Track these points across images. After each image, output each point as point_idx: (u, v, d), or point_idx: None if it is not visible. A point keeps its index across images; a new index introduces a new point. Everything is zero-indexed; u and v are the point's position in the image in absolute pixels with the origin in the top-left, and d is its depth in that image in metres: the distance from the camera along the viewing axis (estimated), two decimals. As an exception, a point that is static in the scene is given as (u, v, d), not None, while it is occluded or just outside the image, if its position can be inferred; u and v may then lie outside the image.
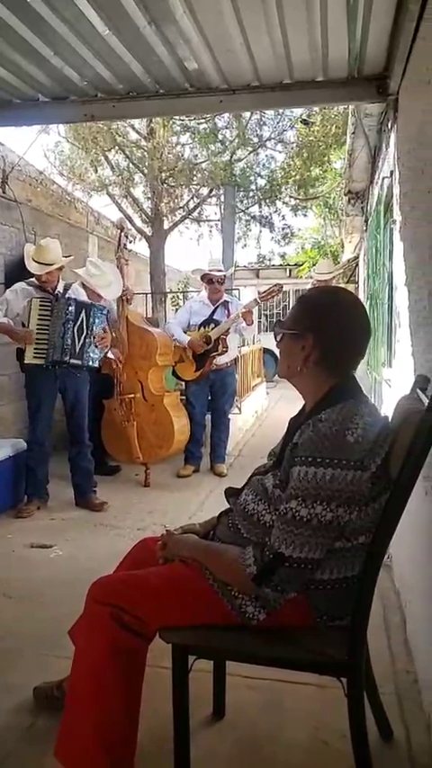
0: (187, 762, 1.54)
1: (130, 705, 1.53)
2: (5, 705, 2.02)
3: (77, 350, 4.06)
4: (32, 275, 4.16)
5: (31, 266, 4.08)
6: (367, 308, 5.88)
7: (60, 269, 4.21)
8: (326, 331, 1.52)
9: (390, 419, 1.57)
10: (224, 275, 5.23)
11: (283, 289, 5.32)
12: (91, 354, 4.13)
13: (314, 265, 9.75)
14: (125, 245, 4.78)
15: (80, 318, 4.09)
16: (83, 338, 4.08)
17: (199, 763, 1.60)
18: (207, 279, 5.14)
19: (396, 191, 3.27)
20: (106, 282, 4.68)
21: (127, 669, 1.52)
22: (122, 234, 4.76)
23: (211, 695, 1.95)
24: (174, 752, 1.54)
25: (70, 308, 4.03)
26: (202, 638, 1.53)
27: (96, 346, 4.15)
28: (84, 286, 4.62)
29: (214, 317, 5.10)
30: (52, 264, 4.09)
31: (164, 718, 1.60)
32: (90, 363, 4.13)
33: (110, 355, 4.56)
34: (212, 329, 5.02)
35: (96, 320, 4.15)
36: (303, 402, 1.65)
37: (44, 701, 1.96)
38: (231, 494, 1.75)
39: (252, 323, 5.11)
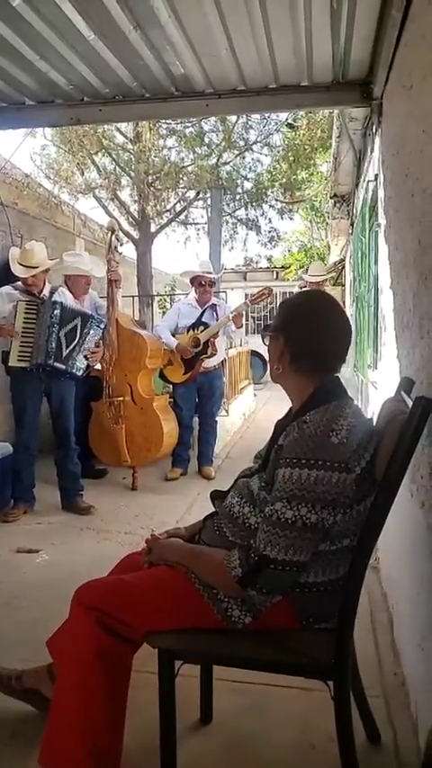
0: (174, 766, 1.53)
1: (115, 710, 1.52)
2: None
3: (63, 354, 4.05)
4: (18, 279, 4.15)
5: (17, 269, 4.07)
6: (353, 310, 5.92)
7: (46, 272, 4.21)
8: (294, 330, 1.55)
9: (375, 421, 1.58)
10: (214, 277, 5.23)
11: (273, 292, 5.33)
12: (77, 363, 4.11)
13: (301, 268, 9.80)
14: (116, 247, 4.77)
15: (72, 324, 4.07)
16: (73, 344, 4.07)
17: (186, 767, 1.59)
18: (197, 281, 5.14)
19: (381, 194, 3.30)
20: (87, 265, 4.76)
21: (113, 674, 1.51)
22: (113, 236, 4.74)
23: (197, 700, 1.94)
24: (160, 757, 1.53)
25: (55, 312, 4.02)
26: (189, 643, 1.53)
27: (86, 358, 4.14)
28: (68, 287, 4.61)
29: (203, 320, 5.09)
30: (37, 267, 4.08)
31: (150, 722, 1.59)
32: (74, 371, 4.11)
33: (97, 367, 4.55)
34: (201, 331, 5.02)
35: (92, 331, 4.14)
36: (291, 404, 1.66)
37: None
38: (217, 497, 1.76)
39: (241, 326, 5.11)
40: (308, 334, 1.55)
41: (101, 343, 4.31)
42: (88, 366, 4.25)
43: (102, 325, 4.27)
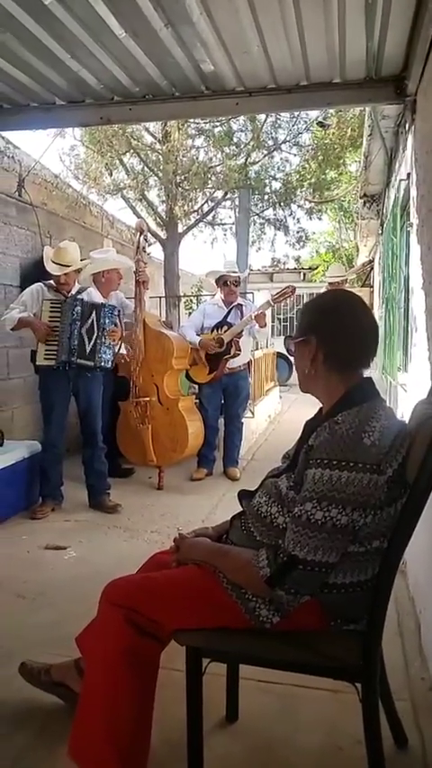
0: (200, 764, 1.53)
1: (143, 707, 1.52)
2: (17, 705, 2.02)
3: (87, 351, 4.08)
4: (49, 277, 4.20)
5: (50, 267, 4.12)
6: (383, 312, 5.85)
7: (78, 272, 4.25)
8: (326, 329, 1.53)
9: (406, 423, 1.56)
10: (239, 277, 5.21)
11: (297, 291, 5.28)
12: (103, 355, 4.13)
13: (328, 269, 9.73)
14: (144, 247, 4.78)
15: (90, 319, 4.11)
16: (94, 339, 4.09)
17: (212, 765, 1.59)
18: (222, 280, 5.13)
19: (413, 193, 3.25)
20: (114, 258, 4.82)
21: (140, 671, 1.51)
22: (142, 237, 4.75)
23: (224, 699, 1.94)
24: (187, 754, 1.53)
25: (76, 309, 4.07)
26: (217, 641, 1.52)
27: (108, 347, 4.17)
28: (98, 286, 4.64)
29: (228, 320, 5.08)
30: (70, 266, 4.12)
31: (177, 721, 1.59)
32: (102, 364, 4.14)
33: (122, 350, 4.57)
34: (225, 332, 5.01)
35: (107, 319, 4.17)
36: (318, 406, 1.64)
37: (29, 678, 2.00)
38: (244, 496, 1.75)
39: (265, 325, 5.07)
40: (340, 332, 1.53)
41: (117, 322, 4.30)
42: (114, 353, 4.26)
43: (115, 312, 4.27)
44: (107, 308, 4.22)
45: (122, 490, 4.62)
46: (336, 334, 1.53)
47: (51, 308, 4.09)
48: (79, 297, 4.16)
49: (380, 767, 1.46)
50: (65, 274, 4.13)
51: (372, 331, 1.56)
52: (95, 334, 4.11)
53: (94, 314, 4.13)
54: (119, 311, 4.37)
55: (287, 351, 1.68)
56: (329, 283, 6.68)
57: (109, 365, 4.21)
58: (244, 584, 1.49)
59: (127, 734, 1.48)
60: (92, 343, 4.09)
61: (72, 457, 4.61)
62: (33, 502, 4.25)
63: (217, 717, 1.92)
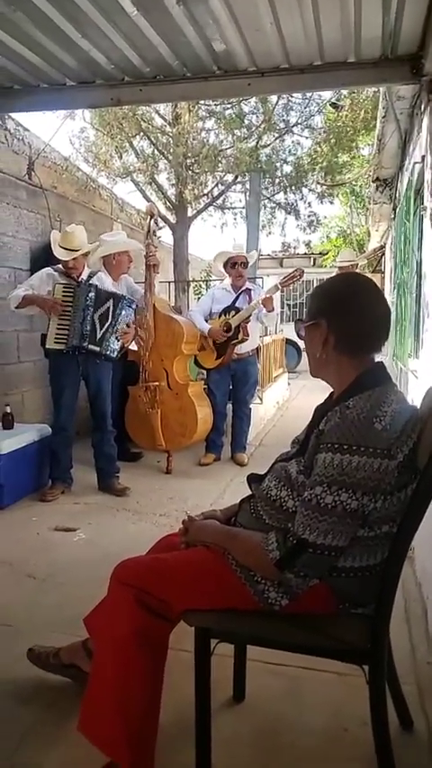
0: (208, 743, 1.55)
1: (152, 686, 1.54)
2: (27, 682, 2.05)
3: (97, 337, 4.08)
4: (58, 262, 4.19)
5: (58, 252, 4.11)
6: (394, 297, 5.81)
7: (86, 255, 4.24)
8: (338, 312, 1.51)
9: (418, 408, 1.54)
10: (247, 258, 5.17)
11: (306, 276, 5.23)
12: (111, 345, 4.13)
13: (338, 254, 9.67)
14: (154, 231, 4.75)
15: (105, 306, 4.10)
16: (105, 326, 4.09)
17: (219, 745, 1.60)
18: (231, 263, 5.09)
19: (427, 176, 3.21)
20: (124, 240, 4.81)
21: (150, 650, 1.53)
22: (152, 220, 4.72)
23: (231, 680, 1.95)
24: (195, 733, 1.55)
25: (90, 295, 4.06)
26: (226, 622, 1.53)
27: (117, 339, 4.16)
28: (108, 269, 4.63)
29: (236, 305, 5.05)
30: (78, 250, 4.11)
31: (185, 700, 1.61)
32: (108, 353, 4.14)
33: (132, 347, 4.57)
34: (233, 316, 4.99)
35: (123, 312, 4.16)
36: (326, 393, 1.64)
37: (38, 663, 2.02)
38: (254, 480, 1.75)
39: (273, 309, 5.02)
40: (352, 316, 1.51)
41: (132, 323, 4.31)
42: (122, 347, 4.27)
43: (133, 306, 4.28)
44: (126, 300, 4.22)
45: (131, 474, 4.64)
46: (347, 318, 1.51)
47: (64, 292, 4.08)
48: (93, 283, 4.15)
49: (386, 749, 1.47)
50: (73, 259, 4.11)
51: (384, 315, 1.54)
52: (108, 322, 4.10)
53: (111, 302, 4.12)
54: (137, 306, 4.36)
55: (297, 335, 1.66)
56: (339, 268, 6.64)
57: (114, 355, 4.20)
58: (253, 566, 1.50)
59: (137, 713, 1.50)
60: (102, 330, 4.09)
61: (82, 440, 4.63)
62: (43, 484, 4.28)
63: (224, 697, 1.94)
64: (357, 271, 6.67)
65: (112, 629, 1.55)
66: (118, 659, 1.51)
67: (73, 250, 4.11)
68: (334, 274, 6.69)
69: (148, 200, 9.66)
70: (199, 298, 8.25)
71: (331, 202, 13.65)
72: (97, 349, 4.10)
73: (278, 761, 1.72)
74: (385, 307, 1.56)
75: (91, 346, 4.07)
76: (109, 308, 4.12)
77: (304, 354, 1.65)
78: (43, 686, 2.02)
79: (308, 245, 17.91)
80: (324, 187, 11.82)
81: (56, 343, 4.07)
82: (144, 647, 1.51)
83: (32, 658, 2.04)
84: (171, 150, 9.31)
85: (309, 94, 9.63)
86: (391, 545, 1.44)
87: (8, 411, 4.24)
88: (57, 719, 1.85)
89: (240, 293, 5.10)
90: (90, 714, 1.54)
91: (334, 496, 1.36)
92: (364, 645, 1.45)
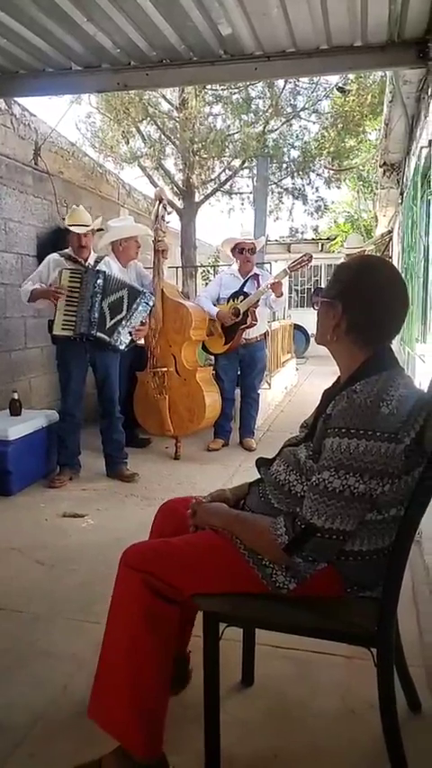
0: (217, 726, 1.56)
1: (162, 670, 1.55)
2: (38, 668, 2.07)
3: (107, 326, 4.08)
4: (65, 247, 4.19)
5: (75, 229, 4.11)
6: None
7: (93, 234, 4.25)
8: (354, 299, 1.49)
9: (425, 393, 1.54)
10: (254, 244, 5.15)
11: (314, 259, 5.21)
12: (122, 337, 4.13)
13: (346, 240, 9.61)
14: (162, 216, 4.73)
15: (117, 296, 4.10)
16: (118, 317, 4.09)
17: (228, 728, 1.62)
18: (238, 248, 5.07)
19: (435, 160, 3.19)
20: (132, 226, 4.80)
21: (160, 634, 1.54)
22: (161, 205, 4.70)
23: (239, 664, 1.97)
24: (204, 716, 1.56)
25: (98, 282, 4.04)
26: (234, 606, 1.54)
27: (130, 334, 4.16)
28: (117, 255, 4.63)
29: (244, 290, 5.04)
30: (88, 225, 4.14)
31: (193, 683, 1.63)
32: (118, 344, 4.14)
33: (140, 342, 4.58)
34: (241, 301, 4.98)
35: (140, 308, 4.16)
36: (334, 378, 1.63)
37: None
38: (262, 464, 1.75)
39: (281, 295, 5.00)
40: (370, 306, 1.49)
41: (147, 320, 4.31)
42: (132, 342, 4.28)
43: (151, 303, 4.27)
44: (146, 296, 4.22)
45: (139, 460, 4.66)
46: (364, 308, 1.49)
47: (71, 277, 4.05)
48: (102, 269, 4.14)
49: (394, 730, 1.49)
50: (84, 235, 4.12)
51: (402, 310, 1.53)
52: (122, 314, 4.10)
53: (126, 293, 4.12)
54: (153, 303, 4.35)
55: (312, 304, 1.64)
56: (347, 255, 6.60)
57: (123, 348, 4.20)
58: (261, 550, 1.51)
59: (148, 698, 1.51)
60: (113, 321, 4.09)
61: (90, 427, 4.65)
62: (51, 471, 4.31)
63: (233, 681, 1.95)
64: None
65: (122, 614, 1.56)
66: (129, 644, 1.52)
67: (84, 226, 4.12)
68: (341, 261, 6.67)
69: (155, 185, 9.64)
70: (206, 283, 8.23)
71: (338, 187, 13.57)
72: (107, 339, 4.09)
73: (287, 744, 1.74)
74: (406, 301, 1.54)
75: (99, 334, 4.07)
76: (123, 298, 4.11)
77: (312, 340, 1.63)
78: (55, 672, 2.05)
79: (315, 230, 17.79)
80: (331, 172, 11.74)
81: (63, 329, 4.05)
82: (155, 631, 1.52)
83: None
84: (178, 135, 9.28)
85: (316, 79, 9.56)
86: (398, 528, 1.45)
87: (16, 397, 4.26)
88: (69, 705, 1.87)
89: (248, 278, 5.09)
90: (101, 700, 1.56)
91: (342, 481, 1.37)
92: (372, 628, 1.46)
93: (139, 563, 1.57)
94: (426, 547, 2.87)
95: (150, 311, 4.32)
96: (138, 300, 4.13)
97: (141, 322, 4.24)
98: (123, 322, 4.11)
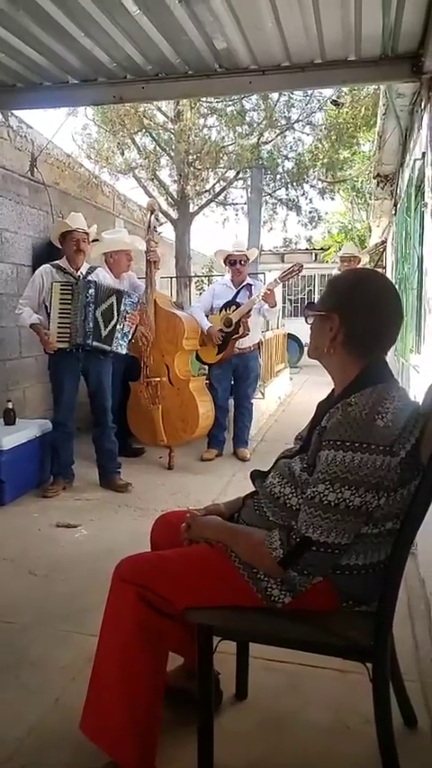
0: (210, 739, 1.55)
1: (155, 683, 1.54)
2: (29, 679, 2.06)
3: (103, 334, 4.08)
4: (57, 257, 4.20)
5: (76, 228, 4.11)
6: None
7: (89, 239, 4.27)
8: (352, 311, 1.49)
9: (420, 405, 1.55)
10: (246, 256, 5.17)
11: (304, 269, 5.23)
12: (120, 341, 4.14)
13: (339, 249, 9.65)
14: (155, 227, 4.75)
15: (108, 303, 4.10)
16: (112, 324, 4.10)
17: (221, 741, 1.61)
18: (230, 260, 5.10)
19: (428, 173, 3.21)
20: (128, 239, 4.83)
21: (153, 647, 1.53)
22: (153, 216, 4.72)
23: (233, 677, 1.96)
24: (197, 729, 1.55)
25: (90, 291, 4.04)
26: (228, 619, 1.53)
27: (125, 335, 4.17)
28: (109, 266, 4.63)
29: (237, 300, 5.06)
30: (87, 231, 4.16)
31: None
32: (118, 350, 4.15)
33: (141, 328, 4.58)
34: (234, 311, 4.99)
35: (127, 307, 4.17)
36: (328, 388, 1.63)
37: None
38: (257, 476, 1.75)
39: (275, 305, 5.03)
40: (368, 319, 1.49)
41: (135, 311, 4.30)
42: (130, 341, 4.27)
43: (134, 298, 4.27)
44: (126, 294, 4.23)
45: (133, 469, 4.65)
46: (362, 321, 1.49)
47: (62, 290, 4.06)
48: (93, 279, 4.14)
49: (390, 746, 1.47)
50: (83, 240, 4.12)
51: (399, 321, 1.54)
52: (115, 320, 4.11)
53: (114, 299, 4.12)
54: (138, 298, 4.37)
55: (305, 318, 1.63)
56: (341, 258, 6.60)
57: (123, 351, 4.21)
58: (256, 564, 1.50)
59: (141, 711, 1.50)
60: (108, 328, 4.09)
61: (83, 436, 4.64)
62: (45, 480, 4.29)
63: (226, 694, 1.94)
64: (355, 264, 6.63)
65: (115, 627, 1.55)
66: (122, 657, 1.51)
67: (81, 229, 4.13)
68: (337, 267, 6.66)
69: (150, 196, 9.68)
70: (201, 293, 8.26)
71: (332, 198, 13.67)
72: (106, 347, 4.10)
73: (280, 758, 1.73)
74: (401, 312, 1.55)
75: (96, 343, 4.07)
76: (113, 304, 4.12)
77: (306, 349, 1.62)
78: (47, 684, 2.03)
79: (309, 240, 17.89)
80: (325, 183, 11.82)
81: (59, 341, 4.04)
82: (147, 642, 1.52)
83: None
84: (173, 147, 9.33)
85: (310, 92, 9.62)
86: (394, 542, 1.45)
87: (10, 407, 4.25)
88: (61, 718, 1.85)
89: (241, 288, 5.10)
90: (93, 713, 1.55)
91: (337, 494, 1.36)
92: (367, 642, 1.46)
93: (133, 575, 1.56)
94: (421, 560, 2.86)
95: (136, 304, 4.31)
96: (123, 301, 4.14)
97: (130, 312, 4.23)
98: (117, 326, 4.11)
